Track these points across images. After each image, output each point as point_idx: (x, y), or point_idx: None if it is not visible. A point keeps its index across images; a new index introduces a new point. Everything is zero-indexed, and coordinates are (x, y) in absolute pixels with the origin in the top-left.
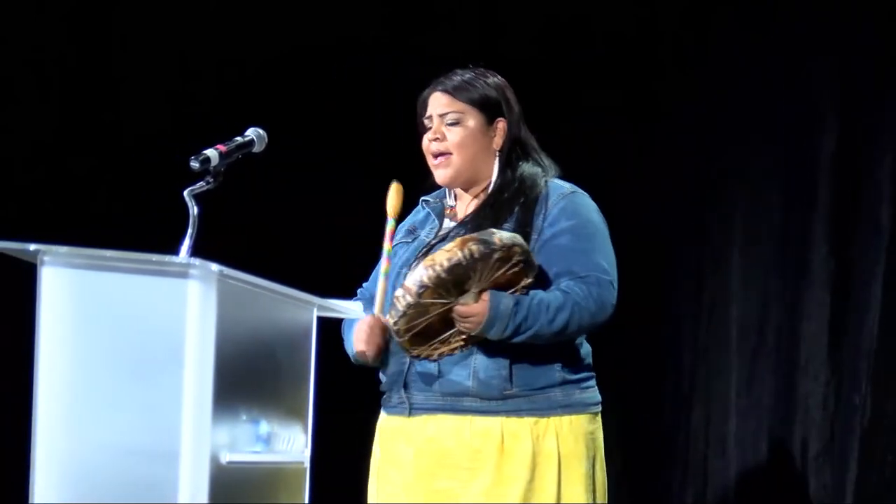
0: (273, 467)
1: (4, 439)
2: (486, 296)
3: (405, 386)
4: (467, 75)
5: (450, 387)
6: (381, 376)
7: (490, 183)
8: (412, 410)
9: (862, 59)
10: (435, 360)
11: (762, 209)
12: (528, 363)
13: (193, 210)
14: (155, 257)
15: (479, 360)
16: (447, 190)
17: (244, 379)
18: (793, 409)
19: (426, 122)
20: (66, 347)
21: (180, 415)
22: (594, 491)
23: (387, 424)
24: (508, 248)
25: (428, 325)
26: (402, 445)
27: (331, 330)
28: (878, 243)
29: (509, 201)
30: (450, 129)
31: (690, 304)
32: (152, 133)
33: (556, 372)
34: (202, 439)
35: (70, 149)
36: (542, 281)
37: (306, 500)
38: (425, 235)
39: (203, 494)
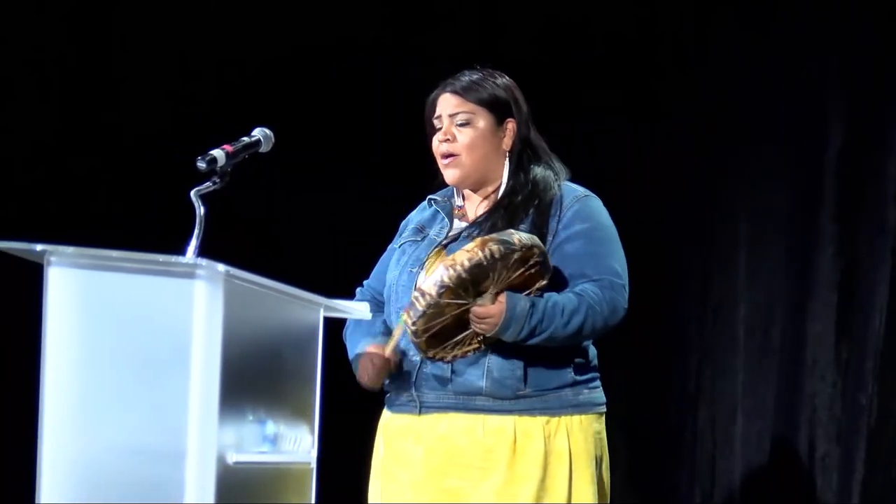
0: (279, 468)
1: (11, 439)
2: (502, 297)
3: (415, 385)
4: (476, 76)
5: (462, 386)
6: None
7: (500, 184)
8: (422, 409)
9: (862, 59)
10: (448, 362)
11: (767, 209)
12: (542, 364)
13: (200, 210)
14: (161, 258)
15: (493, 360)
16: (455, 189)
17: (251, 379)
18: (799, 410)
19: (435, 122)
20: (73, 348)
21: (187, 415)
22: (602, 492)
23: (393, 423)
24: (528, 249)
25: (443, 326)
26: (410, 444)
27: (336, 330)
28: (884, 243)
29: (523, 204)
30: (460, 130)
31: (696, 305)
32: (152, 133)
33: (569, 373)
34: (209, 439)
35: (70, 149)
36: (556, 283)
37: (313, 501)
38: (435, 234)
39: (209, 495)
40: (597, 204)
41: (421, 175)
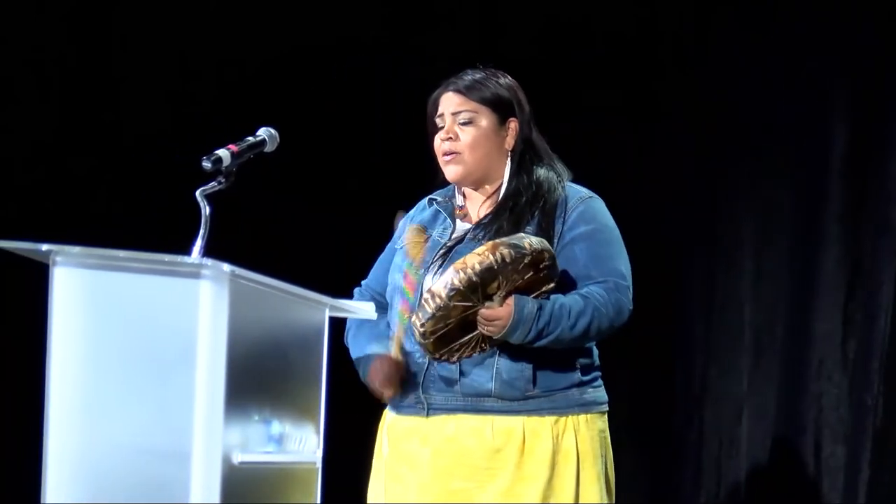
0: (285, 467)
1: (17, 439)
2: (510, 300)
3: (423, 387)
4: (479, 75)
5: (471, 388)
6: None
7: (502, 184)
8: (430, 411)
9: (863, 59)
10: (454, 363)
11: (769, 209)
12: (550, 364)
13: (206, 210)
14: (167, 257)
15: (502, 361)
16: (455, 189)
17: (256, 379)
18: (805, 410)
19: (437, 121)
20: (78, 347)
21: (192, 415)
22: (607, 490)
23: (399, 424)
24: (538, 253)
25: (450, 328)
26: (416, 445)
27: (341, 330)
28: (889, 243)
29: (528, 205)
30: (462, 129)
31: (701, 305)
32: (152, 133)
33: (575, 373)
34: (214, 439)
35: (70, 149)
36: (561, 284)
37: (318, 501)
38: (438, 235)
39: (215, 495)
40: (600, 205)
41: (421, 175)
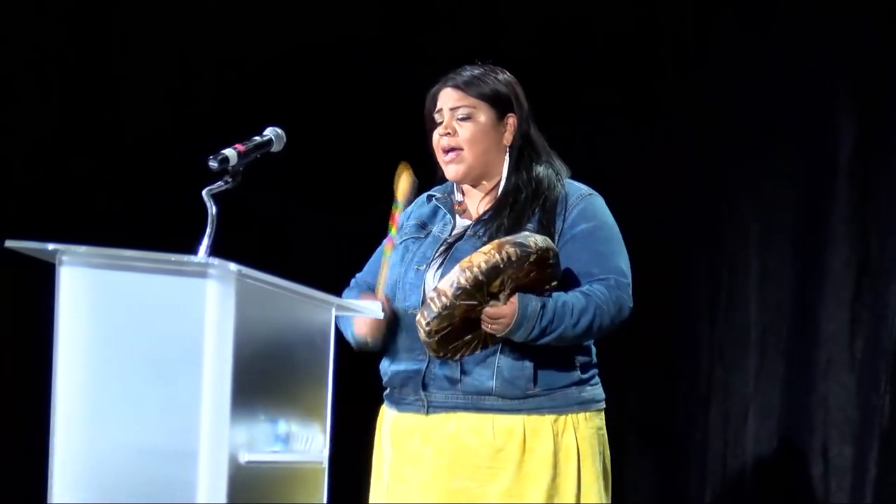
0: (291, 467)
1: (23, 439)
2: (514, 298)
3: (424, 385)
4: (477, 71)
5: (472, 386)
6: (386, 372)
7: (500, 179)
8: (430, 409)
9: (863, 59)
10: (456, 361)
11: (771, 209)
12: (551, 363)
13: (212, 210)
14: (174, 257)
15: (503, 360)
16: (454, 185)
17: (262, 378)
18: (812, 410)
19: (436, 116)
20: (85, 347)
21: (199, 415)
22: (605, 488)
23: (399, 422)
24: (543, 252)
25: (453, 326)
26: (417, 443)
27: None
28: None
29: (529, 202)
30: (461, 125)
31: (707, 305)
32: (152, 133)
33: (575, 371)
34: (220, 439)
35: (70, 149)
36: (562, 281)
37: (324, 500)
38: (439, 232)
39: (221, 494)
40: (600, 203)
41: (421, 175)
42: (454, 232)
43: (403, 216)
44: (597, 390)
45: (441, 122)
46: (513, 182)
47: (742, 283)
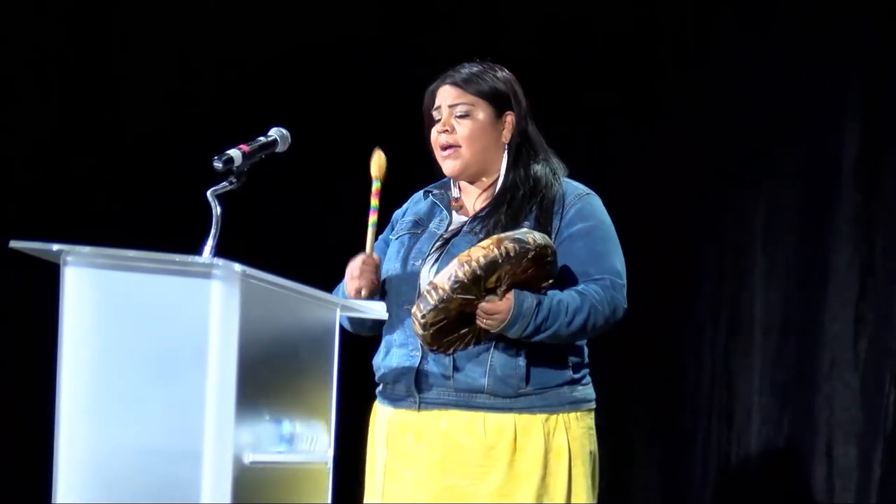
0: (296, 467)
1: (28, 439)
2: (510, 294)
3: (416, 381)
4: (476, 68)
5: (464, 383)
6: (378, 368)
7: (498, 177)
8: (422, 405)
9: (863, 59)
10: (449, 355)
11: (776, 209)
12: (543, 361)
13: (217, 210)
14: (178, 257)
15: (496, 357)
16: (451, 181)
17: (267, 379)
18: (817, 410)
19: (434, 113)
20: (89, 347)
21: (203, 415)
22: (594, 487)
23: (392, 419)
24: (542, 248)
25: (449, 320)
26: (410, 441)
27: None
28: None
29: (526, 200)
30: (459, 122)
31: (711, 305)
32: (152, 133)
33: (567, 370)
34: (225, 439)
35: (70, 149)
36: (558, 280)
37: (329, 501)
38: (435, 227)
39: (226, 495)
40: (598, 202)
41: (421, 174)
42: (450, 228)
43: (398, 213)
44: (588, 390)
45: (439, 119)
46: (510, 179)
47: (746, 284)
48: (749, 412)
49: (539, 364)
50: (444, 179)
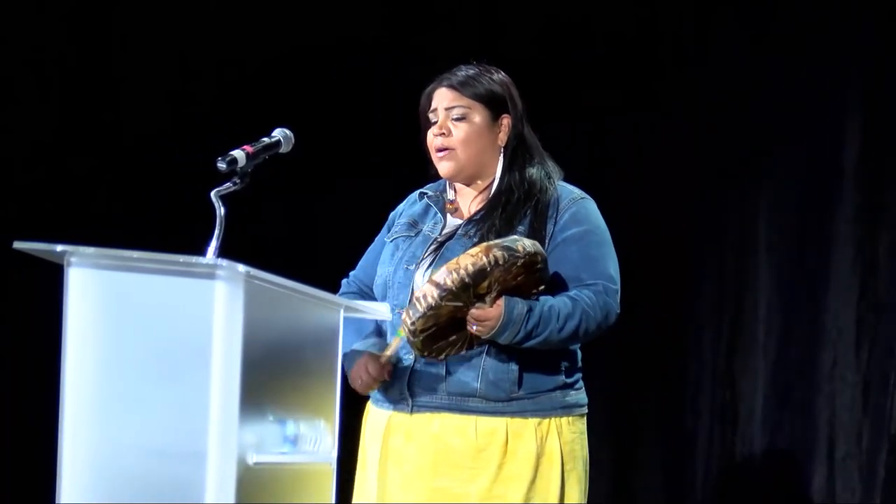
0: (300, 468)
1: (32, 440)
2: (500, 301)
3: (408, 384)
4: (472, 71)
5: (456, 387)
6: None
7: (494, 179)
8: (414, 408)
9: (863, 59)
10: (441, 361)
11: (777, 209)
12: (536, 366)
13: (220, 211)
14: (182, 258)
15: (488, 362)
16: (446, 183)
17: (271, 380)
18: (819, 410)
19: (430, 115)
20: (93, 348)
21: (207, 415)
22: (584, 492)
23: (384, 421)
24: (531, 256)
25: (439, 327)
26: (401, 441)
27: None
28: None
29: (520, 204)
30: (455, 125)
31: (714, 306)
32: (152, 133)
33: (560, 375)
34: (229, 440)
35: (70, 149)
36: (551, 284)
37: (333, 501)
38: (429, 230)
39: (230, 495)
40: (592, 206)
41: (421, 174)
42: (444, 231)
43: (394, 214)
44: (581, 395)
45: (436, 122)
46: (505, 183)
47: (747, 284)
48: (751, 413)
49: (531, 368)
50: (440, 181)
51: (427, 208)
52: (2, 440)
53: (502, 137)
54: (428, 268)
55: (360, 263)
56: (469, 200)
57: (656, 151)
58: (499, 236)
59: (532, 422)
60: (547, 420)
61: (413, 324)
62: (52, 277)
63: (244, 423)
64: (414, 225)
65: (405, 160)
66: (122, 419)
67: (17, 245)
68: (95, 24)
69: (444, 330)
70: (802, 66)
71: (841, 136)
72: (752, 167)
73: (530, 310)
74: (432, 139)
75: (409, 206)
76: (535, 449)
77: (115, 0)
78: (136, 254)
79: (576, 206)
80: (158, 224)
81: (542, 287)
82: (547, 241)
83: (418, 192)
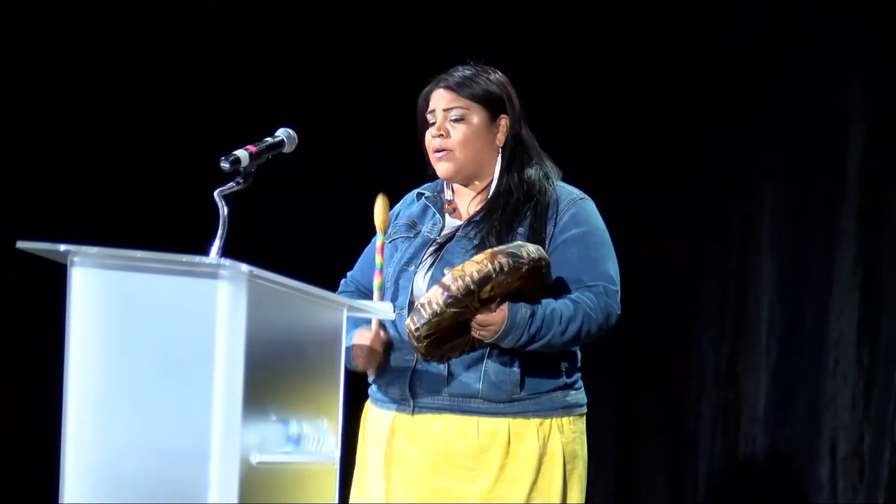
0: (303, 468)
1: (35, 440)
2: (503, 306)
3: (410, 385)
4: (469, 72)
5: (458, 388)
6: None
7: (492, 180)
8: (416, 409)
9: (863, 59)
10: (444, 363)
11: (779, 209)
12: (537, 367)
13: (223, 211)
14: (185, 258)
15: (490, 363)
16: (444, 183)
17: (274, 379)
18: (821, 410)
19: (429, 116)
20: (96, 348)
21: (210, 415)
22: (583, 491)
23: (385, 421)
24: (536, 261)
25: (442, 332)
26: (402, 442)
27: None
28: None
29: (520, 205)
30: (454, 126)
31: (714, 306)
32: (152, 133)
33: (560, 376)
34: (232, 440)
35: (70, 149)
36: (551, 285)
37: (336, 501)
38: (428, 231)
39: (233, 495)
40: (591, 207)
41: (420, 174)
42: (444, 232)
43: (391, 214)
44: (580, 395)
45: (434, 123)
46: (504, 184)
47: (750, 284)
48: (754, 413)
49: (533, 369)
50: (437, 181)
51: (425, 209)
52: (5, 440)
53: (500, 138)
54: (428, 269)
55: (358, 264)
56: (467, 201)
57: (656, 151)
58: (499, 238)
59: (534, 422)
60: (548, 420)
61: (417, 330)
62: (53, 277)
63: (247, 423)
64: (413, 226)
65: (405, 160)
66: (125, 419)
67: (21, 245)
68: (95, 24)
69: (447, 334)
70: (803, 66)
71: (843, 136)
72: (753, 167)
73: (533, 314)
74: (430, 140)
75: (406, 207)
76: (538, 449)
77: (115, 0)
78: (139, 253)
79: (575, 206)
80: (158, 224)
81: (545, 292)
82: (547, 242)
83: (416, 192)
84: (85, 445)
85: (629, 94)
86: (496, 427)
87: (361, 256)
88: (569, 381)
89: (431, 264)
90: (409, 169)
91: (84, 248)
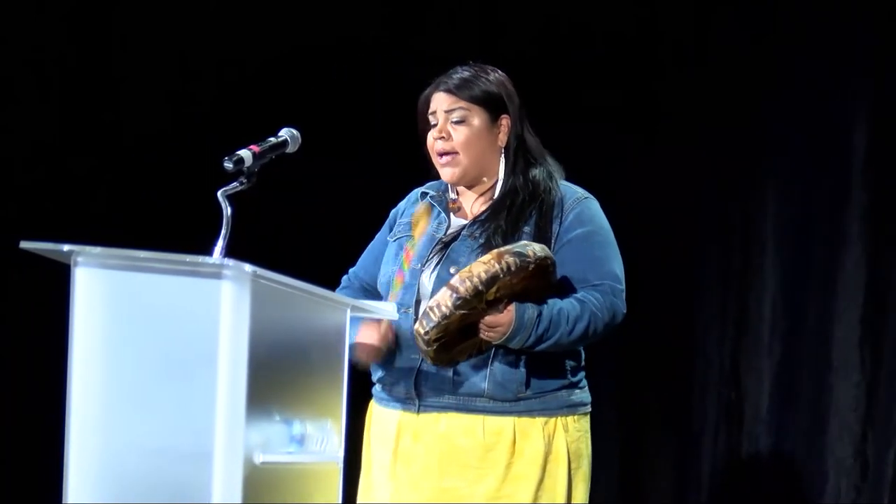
0: (306, 468)
1: (39, 440)
2: (511, 307)
3: (415, 384)
4: (467, 73)
5: (464, 387)
6: (377, 369)
7: (497, 180)
8: (421, 408)
9: (863, 59)
10: (452, 367)
11: (779, 209)
12: (543, 366)
13: (227, 211)
14: (189, 258)
15: (496, 363)
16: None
17: (277, 379)
18: (824, 410)
19: (430, 118)
20: (100, 348)
21: (214, 415)
22: (587, 490)
23: (390, 420)
24: (542, 261)
25: (450, 335)
26: (408, 442)
27: None
28: None
29: (525, 205)
30: (455, 128)
31: (717, 306)
32: (152, 133)
33: (566, 375)
34: (235, 440)
35: (70, 149)
36: (556, 284)
37: (339, 501)
38: (433, 231)
39: (236, 495)
40: (596, 206)
41: (421, 174)
42: (449, 231)
43: (395, 212)
44: (585, 394)
45: (435, 125)
46: (510, 184)
47: (753, 284)
48: (757, 412)
49: (538, 368)
50: (440, 180)
51: (429, 207)
52: (9, 440)
53: (502, 138)
54: (434, 268)
55: (360, 260)
56: (471, 201)
57: (656, 152)
58: (504, 237)
59: (539, 421)
60: (553, 419)
61: (426, 333)
62: (54, 278)
63: (251, 423)
64: (416, 225)
65: (405, 160)
66: (128, 419)
67: (24, 245)
68: (95, 24)
69: (454, 337)
70: (803, 66)
71: (844, 136)
72: (755, 167)
73: (540, 314)
74: (433, 142)
75: (410, 205)
76: (543, 448)
77: (115, 0)
78: (142, 253)
79: (580, 206)
80: (158, 224)
81: (551, 292)
82: (552, 241)
83: (419, 191)
84: (88, 445)
85: (629, 94)
86: (502, 426)
87: (364, 253)
88: (573, 380)
89: (437, 263)
90: (409, 169)
91: (87, 249)
